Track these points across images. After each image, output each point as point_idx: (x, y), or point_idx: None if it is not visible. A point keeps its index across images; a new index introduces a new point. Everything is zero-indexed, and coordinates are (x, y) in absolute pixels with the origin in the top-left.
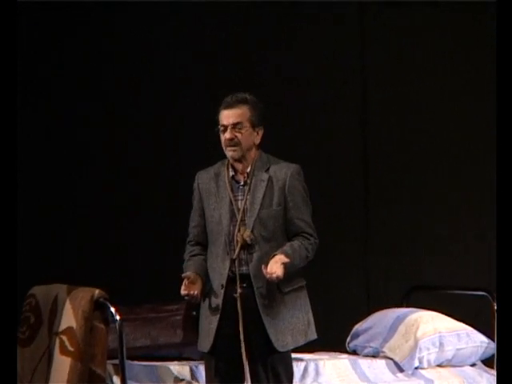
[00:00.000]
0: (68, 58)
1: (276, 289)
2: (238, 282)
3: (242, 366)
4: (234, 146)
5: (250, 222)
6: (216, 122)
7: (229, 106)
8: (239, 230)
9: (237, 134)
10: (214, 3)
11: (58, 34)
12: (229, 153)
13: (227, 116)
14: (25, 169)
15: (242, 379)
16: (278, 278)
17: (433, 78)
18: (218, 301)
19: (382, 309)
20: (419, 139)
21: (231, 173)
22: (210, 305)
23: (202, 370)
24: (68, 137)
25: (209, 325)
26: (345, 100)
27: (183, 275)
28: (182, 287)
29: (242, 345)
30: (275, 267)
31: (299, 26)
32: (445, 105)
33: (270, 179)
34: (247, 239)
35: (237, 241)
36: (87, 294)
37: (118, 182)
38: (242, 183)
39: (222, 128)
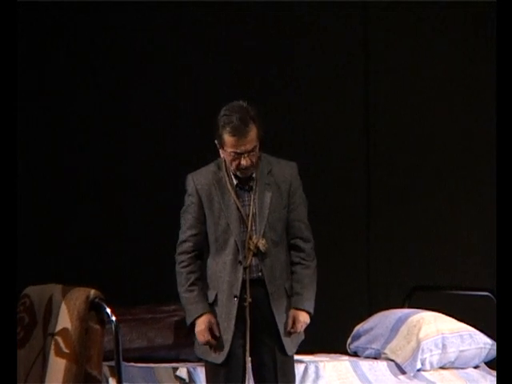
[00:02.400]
0: (67, 57)
1: (285, 293)
2: (249, 290)
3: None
4: (248, 169)
5: (261, 228)
6: (219, 139)
7: (240, 133)
8: (250, 238)
9: (251, 158)
10: (215, 3)
11: (57, 34)
12: (241, 175)
13: (241, 144)
14: (22, 169)
15: None
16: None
17: (435, 79)
18: (231, 311)
19: (384, 310)
20: (421, 140)
21: (235, 180)
22: (220, 314)
23: (199, 371)
24: (65, 137)
25: (222, 336)
26: (347, 101)
27: (212, 339)
28: (207, 338)
29: (247, 354)
30: (299, 327)
31: (301, 26)
32: (446, 105)
33: (275, 182)
34: (262, 248)
35: (248, 248)
36: (82, 295)
37: (114, 182)
38: (246, 188)
39: (233, 154)
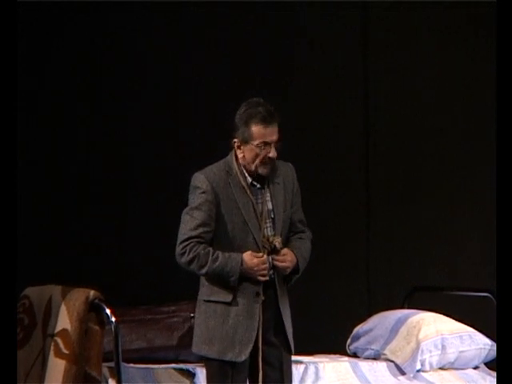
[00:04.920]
0: (67, 57)
1: (286, 290)
2: (262, 288)
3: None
4: (271, 163)
5: (279, 225)
6: (244, 134)
7: (268, 122)
8: (263, 236)
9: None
10: (215, 3)
11: (57, 34)
12: (263, 170)
13: (271, 133)
14: (22, 169)
15: None
16: (285, 271)
17: (435, 79)
18: (253, 310)
19: (383, 310)
20: (421, 140)
21: (249, 178)
22: (241, 312)
23: (199, 372)
24: (65, 137)
25: (243, 333)
26: (347, 101)
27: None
28: (267, 264)
29: (260, 352)
30: (284, 264)
31: (301, 26)
32: (446, 105)
33: (283, 181)
34: (278, 246)
35: (263, 246)
36: (82, 295)
37: (114, 182)
38: (258, 186)
39: (261, 145)
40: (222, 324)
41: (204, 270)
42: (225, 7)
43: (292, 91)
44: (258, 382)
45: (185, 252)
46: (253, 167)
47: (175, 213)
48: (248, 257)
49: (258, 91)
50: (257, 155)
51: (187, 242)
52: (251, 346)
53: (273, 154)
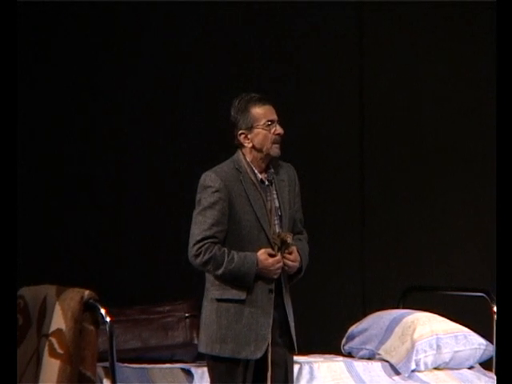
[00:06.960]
0: (67, 57)
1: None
2: (274, 285)
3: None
4: (280, 142)
5: (286, 222)
6: (247, 121)
7: (265, 101)
8: (274, 232)
9: None
10: (214, 3)
11: (57, 35)
12: (275, 150)
13: (271, 112)
14: (21, 169)
15: None
16: (292, 270)
17: (431, 78)
18: (268, 306)
19: (378, 310)
20: (417, 139)
21: (259, 175)
22: (255, 310)
23: (194, 372)
24: (63, 136)
25: (258, 331)
26: (343, 100)
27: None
28: (281, 261)
29: (269, 349)
30: (291, 262)
31: (298, 26)
32: (443, 105)
33: (287, 180)
34: (290, 241)
35: (274, 243)
36: (77, 295)
37: (109, 183)
38: (266, 183)
39: (267, 124)
40: (235, 322)
41: (220, 271)
42: (223, 6)
43: (290, 90)
44: (265, 381)
45: (200, 253)
46: (264, 151)
47: (171, 213)
48: (263, 256)
49: (256, 90)
50: (266, 136)
51: (202, 243)
52: (267, 343)
53: (280, 130)
